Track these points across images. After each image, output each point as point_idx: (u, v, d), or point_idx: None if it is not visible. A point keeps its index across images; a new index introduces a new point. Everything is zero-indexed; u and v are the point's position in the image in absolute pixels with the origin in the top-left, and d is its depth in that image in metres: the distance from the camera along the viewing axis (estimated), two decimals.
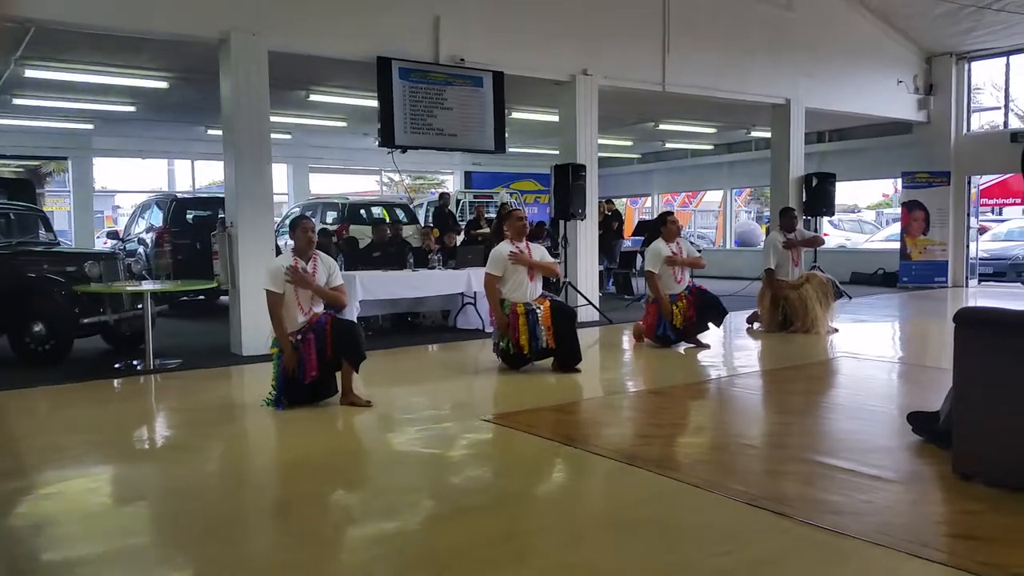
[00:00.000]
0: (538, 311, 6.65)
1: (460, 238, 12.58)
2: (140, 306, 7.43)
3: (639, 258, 13.12)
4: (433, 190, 22.39)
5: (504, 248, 6.80)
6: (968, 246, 15.11)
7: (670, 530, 3.30)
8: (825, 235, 16.76)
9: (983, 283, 15.34)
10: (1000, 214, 20.17)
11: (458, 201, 17.04)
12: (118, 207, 21.81)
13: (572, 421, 5.37)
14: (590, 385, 6.56)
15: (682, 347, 8.03)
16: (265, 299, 5.48)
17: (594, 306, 10.28)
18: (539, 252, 7.01)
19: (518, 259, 6.71)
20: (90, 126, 14.97)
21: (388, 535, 3.32)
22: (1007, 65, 14.65)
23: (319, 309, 5.57)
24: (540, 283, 6.96)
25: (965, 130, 15.02)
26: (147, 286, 7.63)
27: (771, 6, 12.06)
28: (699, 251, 9.25)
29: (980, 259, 15.55)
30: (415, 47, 8.89)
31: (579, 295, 10.14)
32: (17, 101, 12.14)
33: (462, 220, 15.70)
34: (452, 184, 21.86)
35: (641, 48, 10.70)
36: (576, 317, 7.22)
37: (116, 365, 7.25)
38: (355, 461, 4.62)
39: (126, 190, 20.59)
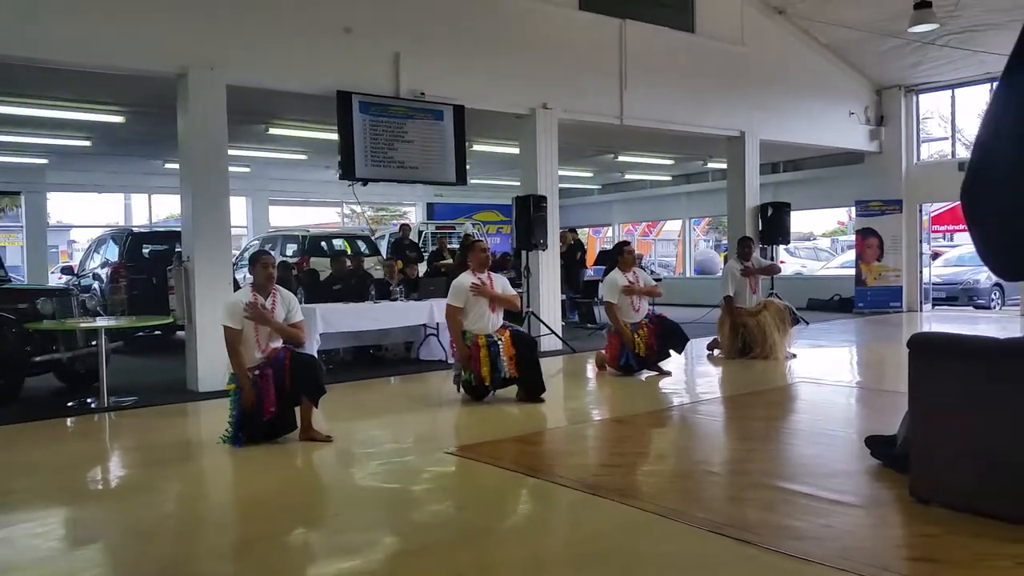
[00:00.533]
0: (499, 342, 6.65)
1: (423, 268, 12.56)
2: (94, 343, 7.27)
3: (601, 287, 13.21)
4: (395, 221, 22.38)
5: (466, 279, 6.80)
6: (921, 271, 15.45)
7: (634, 560, 3.28)
8: (782, 263, 17.03)
9: (936, 307, 15.68)
10: (951, 240, 20.69)
11: (420, 232, 17.04)
12: (73, 242, 21.44)
13: (535, 452, 5.35)
14: (553, 415, 6.55)
15: (644, 375, 8.07)
16: (223, 335, 5.40)
17: (557, 335, 10.30)
18: (501, 283, 7.02)
19: (480, 291, 6.72)
20: (44, 160, 14.73)
21: (349, 573, 3.26)
22: (952, 97, 15.15)
23: (277, 344, 5.49)
24: (501, 314, 6.96)
25: (915, 159, 15.44)
26: (101, 322, 7.48)
27: (724, 42, 12.33)
28: (657, 280, 9.33)
29: (933, 284, 15.90)
30: (375, 81, 8.92)
31: (542, 324, 10.16)
32: None
33: (424, 251, 15.67)
34: (415, 215, 21.86)
35: (599, 82, 10.87)
36: (537, 346, 7.23)
37: (69, 404, 7.07)
38: (315, 498, 4.54)
39: (82, 224, 20.25)
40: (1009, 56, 2.81)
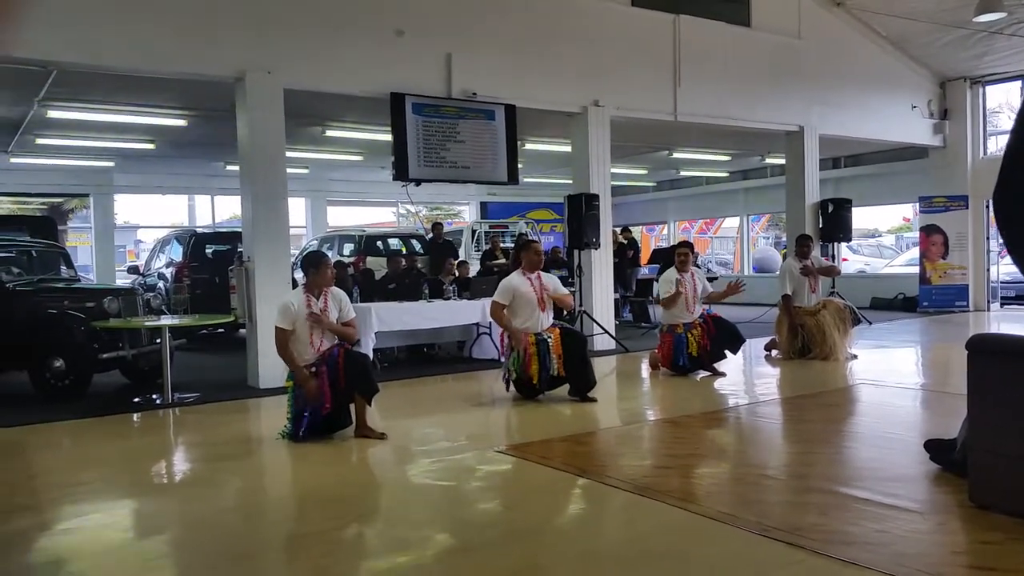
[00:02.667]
0: (548, 340, 6.67)
1: (475, 267, 12.63)
2: (158, 340, 7.50)
3: (655, 285, 13.12)
4: (450, 220, 22.52)
5: (514, 279, 6.84)
6: (989, 269, 14.97)
7: (683, 563, 3.28)
8: (844, 260, 16.68)
9: (1005, 306, 15.17)
10: None
11: (474, 231, 17.13)
12: (140, 241, 22.09)
13: (586, 452, 5.34)
14: (605, 415, 6.54)
15: (699, 375, 7.99)
16: (274, 336, 5.53)
17: (610, 334, 10.26)
18: (552, 281, 7.03)
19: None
20: (111, 163, 15.24)
21: (401, 570, 3.32)
22: (1022, 88, 14.61)
23: (331, 342, 5.60)
24: (551, 314, 6.98)
25: (982, 154, 14.95)
26: (165, 321, 7.71)
27: (781, 35, 12.12)
28: (712, 279, 9.20)
29: (1002, 282, 15.38)
30: (427, 82, 9.01)
31: (595, 323, 10.13)
32: (40, 141, 12.42)
33: (477, 251, 15.74)
34: (468, 214, 21.99)
35: (651, 78, 10.79)
36: (587, 343, 7.22)
37: (135, 399, 7.31)
38: (368, 494, 4.63)
39: (148, 225, 20.87)
40: None
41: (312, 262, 5.71)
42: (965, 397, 3.71)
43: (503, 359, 7.09)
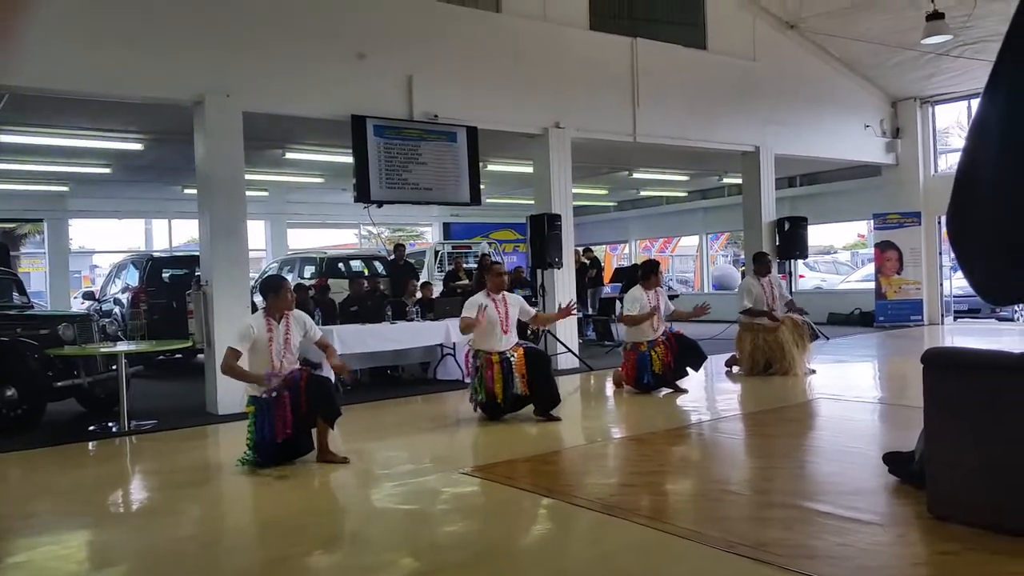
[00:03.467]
0: (512, 358, 6.68)
1: (438, 288, 12.60)
2: (115, 367, 7.35)
3: (618, 304, 13.20)
4: (413, 242, 22.45)
5: (480, 299, 6.85)
6: (942, 284, 15.32)
7: None
8: (801, 276, 16.97)
9: (959, 319, 15.52)
10: None
11: (437, 252, 17.11)
12: (96, 267, 21.66)
13: (552, 471, 5.33)
14: (570, 433, 6.54)
15: (662, 392, 8.04)
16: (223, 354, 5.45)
17: (574, 353, 10.29)
18: (516, 302, 7.05)
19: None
20: (65, 188, 14.99)
21: None
22: (968, 108, 15.06)
23: (294, 366, 5.54)
24: (515, 333, 6.99)
25: (933, 171, 15.36)
26: (121, 347, 7.56)
27: (736, 58, 12.37)
28: (674, 297, 9.28)
29: (955, 296, 15.74)
30: (389, 105, 9.02)
31: (558, 342, 10.15)
32: None
33: (440, 272, 15.72)
34: (431, 235, 21.97)
35: (611, 101, 10.92)
36: (550, 362, 7.24)
37: (90, 428, 7.14)
38: (332, 520, 4.56)
39: (103, 250, 20.49)
40: (989, 76, 2.84)
41: (271, 286, 5.65)
42: (921, 409, 3.78)
43: (468, 380, 7.08)
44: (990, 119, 2.86)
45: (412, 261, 14.42)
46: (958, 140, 16.51)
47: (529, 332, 8.84)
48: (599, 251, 24.34)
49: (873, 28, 12.39)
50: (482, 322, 6.65)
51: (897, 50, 12.95)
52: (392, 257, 13.56)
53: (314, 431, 5.50)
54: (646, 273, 8.31)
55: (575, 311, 8.10)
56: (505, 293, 7.03)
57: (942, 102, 15.19)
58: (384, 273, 13.26)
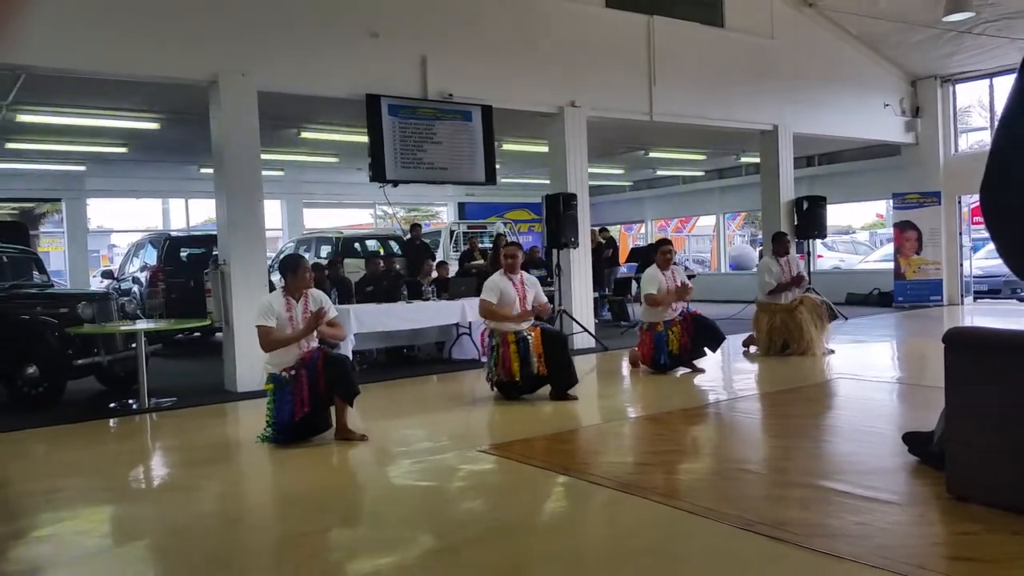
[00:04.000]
0: (529, 338, 6.68)
1: (453, 268, 12.61)
2: (134, 345, 7.42)
3: (634, 284, 13.17)
4: (428, 221, 22.46)
5: (498, 279, 6.85)
6: (962, 264, 15.17)
7: (668, 559, 3.28)
8: (819, 256, 16.85)
9: (978, 300, 15.38)
10: None
11: (452, 232, 17.11)
12: (114, 246, 21.84)
13: (569, 450, 5.35)
14: (587, 413, 6.55)
15: (679, 372, 8.03)
16: (257, 336, 5.48)
17: (590, 333, 10.28)
18: (532, 283, 7.04)
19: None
20: (83, 167, 15.05)
21: (386, 571, 3.29)
22: (991, 86, 14.83)
23: (313, 344, 5.57)
24: (531, 316, 6.97)
25: (953, 150, 15.16)
26: (140, 326, 7.62)
27: (754, 36, 12.22)
28: (691, 276, 9.24)
29: (975, 277, 15.60)
30: (403, 84, 8.99)
31: (574, 322, 10.15)
32: (10, 145, 12.23)
33: (456, 252, 15.72)
34: (446, 215, 21.97)
35: (627, 79, 10.83)
36: (567, 341, 7.23)
37: (111, 405, 7.22)
38: (350, 496, 4.60)
39: (122, 229, 20.64)
40: None
41: (290, 265, 5.69)
42: (941, 390, 3.75)
43: (484, 359, 7.09)
44: None
45: (427, 241, 14.41)
46: (979, 119, 16.30)
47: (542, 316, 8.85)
48: (614, 231, 24.30)
49: (892, 5, 12.20)
50: (499, 313, 6.69)
51: (917, 28, 12.75)
52: (408, 237, 13.57)
53: (332, 409, 5.53)
54: (657, 251, 8.29)
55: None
56: (523, 273, 7.02)
57: (963, 80, 14.96)
58: (400, 253, 13.28)
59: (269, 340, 5.43)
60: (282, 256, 6.39)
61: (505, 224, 18.28)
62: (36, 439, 6.22)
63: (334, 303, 6.25)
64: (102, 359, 7.62)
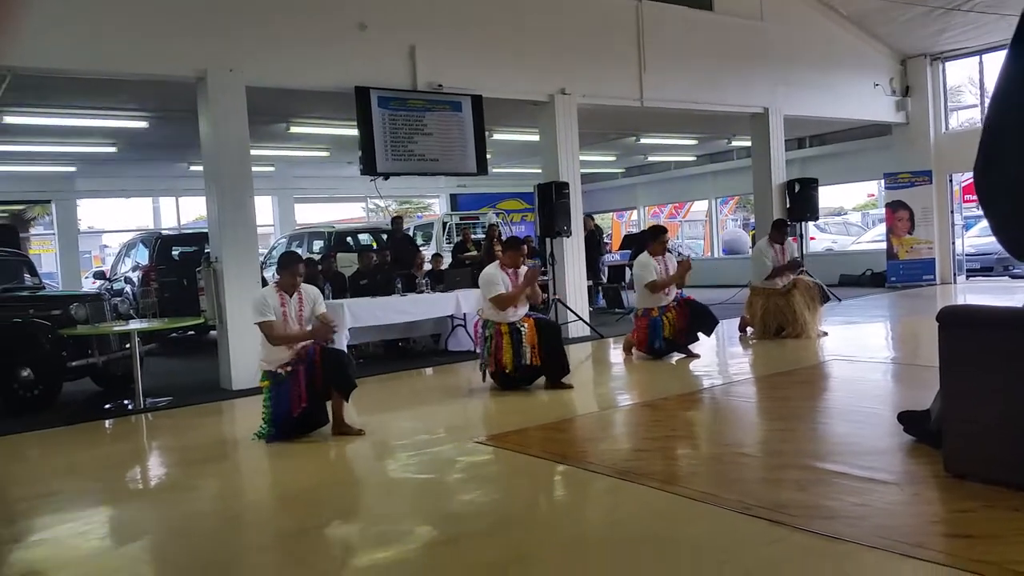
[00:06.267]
0: (522, 329, 6.68)
1: (447, 260, 12.58)
2: (128, 346, 7.39)
3: (627, 271, 13.17)
4: (420, 213, 22.41)
5: (494, 272, 6.83)
6: (954, 243, 15.20)
7: (669, 545, 3.29)
8: (812, 239, 16.87)
9: (971, 278, 15.42)
10: None
11: (444, 224, 17.07)
12: (106, 246, 21.75)
13: (566, 439, 5.35)
14: (583, 401, 6.55)
15: (674, 358, 8.03)
16: (260, 332, 5.46)
17: (584, 321, 10.28)
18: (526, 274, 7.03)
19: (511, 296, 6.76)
20: (72, 168, 14.98)
21: (385, 564, 3.30)
22: (980, 64, 14.82)
23: (308, 341, 5.56)
24: (526, 305, 6.97)
25: (944, 129, 15.17)
26: (134, 325, 7.59)
27: (743, 18, 12.18)
28: (684, 256, 9.21)
29: (967, 255, 15.63)
30: (392, 75, 8.94)
31: (569, 311, 10.14)
32: None
33: (449, 243, 15.69)
34: (439, 207, 21.92)
35: (617, 65, 10.79)
36: (560, 330, 7.22)
37: (106, 406, 7.20)
38: (349, 491, 4.60)
39: (113, 229, 20.56)
40: (1016, 28, 2.73)
41: (284, 263, 5.67)
42: (935, 369, 3.76)
43: (478, 349, 7.09)
44: (1018, 72, 2.77)
45: (409, 233, 14.35)
46: (970, 97, 16.29)
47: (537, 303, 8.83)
48: (607, 218, 24.30)
49: None
50: (517, 297, 6.69)
51: (906, 6, 12.73)
52: (391, 229, 13.54)
53: (329, 403, 5.52)
54: (653, 238, 8.28)
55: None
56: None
57: (953, 58, 14.95)
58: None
59: (276, 335, 5.41)
60: (280, 254, 6.34)
61: (498, 214, 18.25)
62: (32, 442, 6.19)
63: (328, 298, 6.23)
64: (96, 360, 7.59)
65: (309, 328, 5.57)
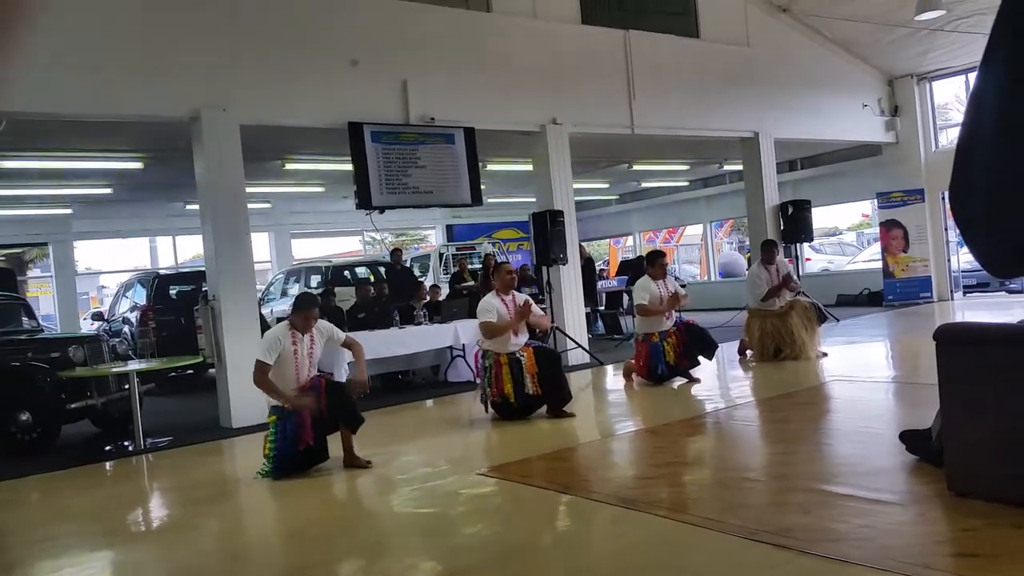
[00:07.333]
0: (522, 359, 6.67)
1: (445, 290, 12.61)
2: (127, 386, 7.37)
3: (625, 297, 13.19)
4: (417, 245, 22.46)
5: (492, 300, 6.83)
6: (949, 260, 15.26)
7: (674, 573, 3.27)
8: (807, 260, 16.91)
9: (968, 295, 15.45)
10: None
11: (441, 255, 17.12)
12: (103, 287, 21.75)
13: (568, 468, 5.33)
14: (584, 429, 6.53)
15: (675, 383, 8.03)
16: (253, 367, 5.46)
17: (584, 348, 10.28)
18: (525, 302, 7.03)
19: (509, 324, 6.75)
20: (68, 210, 15.03)
21: None
22: (966, 82, 14.98)
23: (312, 372, 5.58)
24: (525, 334, 6.97)
25: (934, 147, 15.29)
26: (132, 366, 7.58)
27: (730, 44, 12.34)
28: (683, 285, 9.26)
29: (963, 271, 15.67)
30: (385, 110, 9.02)
31: (568, 338, 10.15)
32: None
33: (446, 274, 15.72)
34: (435, 238, 21.98)
35: (607, 94, 10.90)
36: (560, 359, 7.22)
37: (106, 448, 7.17)
38: (353, 527, 4.56)
39: (110, 270, 20.58)
40: (985, 48, 2.80)
41: (300, 305, 5.65)
42: (935, 386, 3.76)
43: (478, 380, 7.08)
44: (987, 92, 2.84)
45: (407, 265, 14.40)
46: (958, 115, 16.44)
47: (539, 332, 8.82)
48: (603, 245, 24.38)
49: (865, 7, 12.33)
50: (507, 329, 6.66)
51: (891, 28, 12.90)
52: (390, 262, 13.62)
53: (331, 438, 5.51)
54: (651, 262, 8.31)
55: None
56: (514, 292, 7.01)
57: (939, 77, 15.13)
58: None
59: (262, 379, 5.39)
60: (298, 294, 6.33)
61: (493, 244, 18.30)
62: (32, 486, 6.15)
63: None
64: (95, 402, 7.58)
65: (310, 376, 5.56)
